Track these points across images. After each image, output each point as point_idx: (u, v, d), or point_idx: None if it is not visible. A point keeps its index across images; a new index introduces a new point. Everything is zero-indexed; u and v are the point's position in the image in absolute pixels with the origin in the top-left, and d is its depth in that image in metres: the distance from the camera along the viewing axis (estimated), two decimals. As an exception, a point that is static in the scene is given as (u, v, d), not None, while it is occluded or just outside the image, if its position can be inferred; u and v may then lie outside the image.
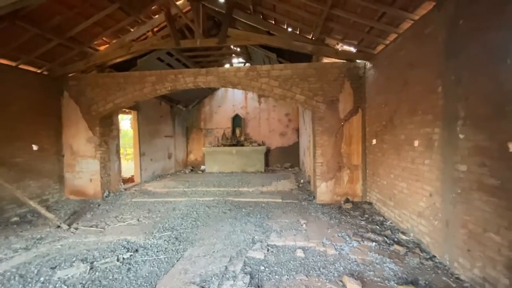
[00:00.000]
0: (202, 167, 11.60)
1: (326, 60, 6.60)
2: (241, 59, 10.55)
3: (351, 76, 5.72)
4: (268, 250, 3.50)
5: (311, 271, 2.97)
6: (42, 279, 2.93)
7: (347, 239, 3.79)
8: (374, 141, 5.25)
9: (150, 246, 3.75)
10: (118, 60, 6.66)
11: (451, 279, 2.76)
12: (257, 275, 2.90)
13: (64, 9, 4.86)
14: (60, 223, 4.59)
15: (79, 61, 6.31)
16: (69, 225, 4.60)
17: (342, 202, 5.65)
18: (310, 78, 5.82)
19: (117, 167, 7.22)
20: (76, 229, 4.51)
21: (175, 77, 6.25)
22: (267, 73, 5.96)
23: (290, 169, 11.28)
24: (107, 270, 3.09)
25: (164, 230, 4.35)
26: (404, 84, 4.01)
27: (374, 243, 3.60)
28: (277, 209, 5.43)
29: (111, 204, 6.04)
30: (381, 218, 4.68)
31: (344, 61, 5.80)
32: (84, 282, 2.85)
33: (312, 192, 6.55)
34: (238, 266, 3.10)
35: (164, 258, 3.38)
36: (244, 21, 6.00)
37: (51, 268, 3.16)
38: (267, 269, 3.04)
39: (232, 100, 12.31)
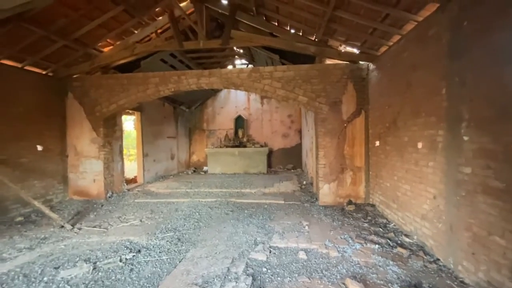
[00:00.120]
0: (205, 168, 11.62)
1: (329, 61, 6.59)
2: (244, 61, 10.57)
3: (354, 78, 5.71)
4: (270, 252, 3.50)
5: (313, 273, 2.96)
6: (45, 278, 2.95)
7: (350, 241, 3.77)
8: (377, 143, 5.22)
9: (153, 246, 3.76)
10: (122, 61, 6.71)
11: (455, 283, 2.74)
12: (259, 277, 2.90)
13: (69, 11, 4.91)
14: (64, 223, 4.62)
15: (83, 63, 6.38)
16: (72, 225, 4.63)
17: (345, 204, 5.63)
18: (313, 80, 5.82)
19: (120, 168, 7.26)
20: (80, 229, 4.54)
21: (178, 78, 6.28)
22: (269, 74, 5.96)
23: (292, 170, 11.26)
24: (110, 270, 3.10)
25: (166, 231, 4.36)
26: (408, 85, 3.99)
27: (377, 246, 3.58)
28: (280, 210, 5.42)
29: (114, 205, 6.07)
30: (384, 221, 4.65)
31: (347, 62, 5.79)
32: (87, 282, 2.86)
33: (315, 193, 6.53)
34: (240, 267, 3.09)
35: (167, 259, 3.38)
36: (247, 22, 6.01)
37: (55, 268, 3.18)
38: (269, 271, 3.03)
39: (234, 102, 12.33)
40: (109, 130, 6.81)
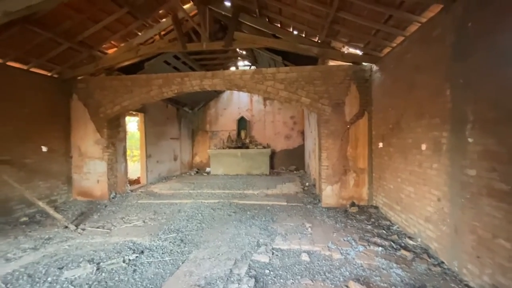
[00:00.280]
0: (208, 169, 11.64)
1: (332, 62, 6.58)
2: (246, 62, 10.60)
3: (357, 79, 5.69)
4: (273, 254, 3.49)
5: (316, 276, 2.95)
6: (49, 279, 2.97)
7: (353, 243, 3.75)
8: (380, 145, 5.20)
9: (156, 247, 3.77)
10: (126, 63, 6.75)
11: (460, 286, 2.71)
12: (262, 279, 2.89)
13: (74, 14, 4.96)
14: (68, 224, 4.65)
15: (88, 64, 6.43)
16: (76, 226, 4.66)
17: (348, 205, 5.60)
18: (315, 81, 5.81)
19: (123, 169, 7.30)
20: (83, 229, 4.57)
21: (181, 80, 6.31)
22: (272, 76, 5.97)
23: (295, 171, 11.24)
24: (113, 271, 3.12)
25: (169, 232, 4.37)
26: (411, 87, 3.97)
27: (380, 248, 3.55)
28: (282, 212, 5.41)
29: (118, 205, 6.11)
30: (388, 223, 4.62)
31: (350, 63, 5.78)
32: (90, 283, 2.88)
33: (318, 195, 6.51)
34: (243, 269, 3.09)
35: (170, 260, 3.39)
36: (250, 24, 6.03)
37: (59, 268, 3.20)
38: (272, 272, 3.02)
39: (237, 103, 12.35)
40: (113, 131, 6.86)
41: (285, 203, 6.02)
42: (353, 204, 5.59)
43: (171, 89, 6.38)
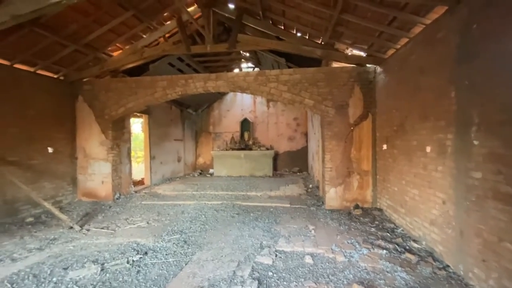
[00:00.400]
0: (211, 171, 11.67)
1: (335, 64, 6.58)
2: (250, 64, 10.63)
3: (361, 81, 5.68)
4: (276, 256, 3.49)
5: (320, 278, 2.94)
6: (54, 279, 3.00)
7: (357, 246, 3.73)
8: (384, 147, 5.17)
9: (159, 249, 3.79)
10: (131, 65, 6.82)
11: (466, 290, 2.68)
12: (265, 281, 2.89)
13: (80, 17, 5.04)
14: (73, 224, 4.70)
15: (93, 67, 6.51)
16: (81, 227, 4.70)
17: (352, 208, 5.57)
18: (319, 83, 5.81)
19: (128, 170, 7.35)
20: (88, 230, 4.61)
21: (185, 82, 6.36)
22: (276, 77, 5.98)
23: (298, 173, 11.22)
24: (117, 272, 3.14)
25: (173, 233, 4.39)
26: (416, 89, 3.95)
27: (384, 251, 3.53)
28: (285, 214, 5.40)
29: (122, 206, 6.15)
30: (392, 225, 4.58)
31: (354, 65, 5.77)
32: (95, 283, 2.90)
33: (321, 197, 6.48)
34: (246, 271, 3.09)
35: (173, 261, 3.40)
36: (254, 26, 6.05)
37: (64, 268, 3.23)
38: (275, 275, 3.02)
39: (240, 104, 12.38)
40: (118, 132, 6.92)
41: (288, 205, 6.00)
42: (357, 207, 5.56)
43: (175, 91, 6.43)
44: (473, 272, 2.75)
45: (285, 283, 2.85)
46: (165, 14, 6.06)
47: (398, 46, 4.62)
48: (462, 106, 2.92)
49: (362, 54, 5.67)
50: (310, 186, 8.15)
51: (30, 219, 5.18)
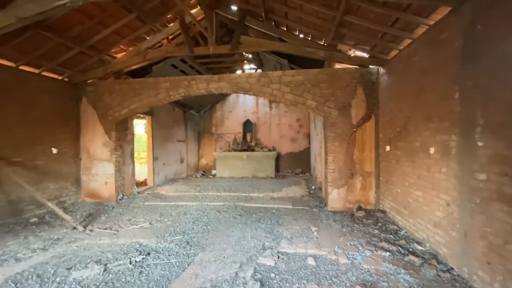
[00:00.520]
0: (213, 172, 11.68)
1: (338, 65, 6.57)
2: (252, 65, 10.64)
3: (364, 82, 5.66)
4: (278, 257, 3.48)
5: (322, 280, 2.92)
6: (58, 279, 3.02)
7: (360, 248, 3.71)
8: (387, 148, 5.15)
9: (162, 249, 3.80)
10: (134, 67, 6.87)
11: (470, 293, 2.65)
12: (267, 283, 2.88)
13: (84, 19, 5.09)
14: (76, 225, 4.73)
15: (97, 68, 6.56)
16: (84, 227, 4.73)
17: (355, 209, 5.54)
18: (322, 84, 5.80)
19: (131, 171, 7.39)
20: (91, 231, 4.63)
21: (188, 83, 6.38)
22: (278, 79, 5.99)
23: (301, 175, 11.19)
24: (120, 272, 3.15)
25: (175, 234, 4.39)
26: (419, 90, 3.93)
27: (388, 253, 3.50)
28: (288, 215, 5.38)
29: (125, 207, 6.17)
30: (395, 227, 4.55)
31: (357, 66, 5.75)
32: (98, 283, 2.91)
33: (324, 199, 6.46)
34: (249, 272, 3.08)
35: (175, 262, 3.41)
36: (256, 28, 6.07)
37: (67, 268, 3.25)
38: (277, 276, 3.01)
39: (243, 106, 12.40)
40: (121, 133, 6.97)
41: (291, 207, 5.99)
42: (359, 208, 5.53)
43: (178, 92, 6.46)
44: (477, 275, 2.72)
45: (287, 284, 2.84)
46: (168, 16, 6.09)
47: (401, 47, 4.61)
48: (466, 107, 2.90)
49: (365, 55, 5.66)
50: (313, 187, 8.12)
51: (34, 219, 5.22)
